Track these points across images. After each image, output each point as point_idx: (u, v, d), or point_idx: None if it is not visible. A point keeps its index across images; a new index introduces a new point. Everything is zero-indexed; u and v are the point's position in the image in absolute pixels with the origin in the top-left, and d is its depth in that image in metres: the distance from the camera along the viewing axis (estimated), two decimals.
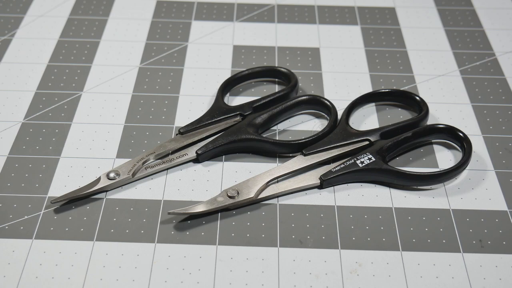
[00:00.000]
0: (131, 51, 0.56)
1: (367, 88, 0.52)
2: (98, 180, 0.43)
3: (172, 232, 0.41)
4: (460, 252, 0.40)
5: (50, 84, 0.52)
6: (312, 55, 0.56)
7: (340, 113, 0.48)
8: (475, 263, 0.39)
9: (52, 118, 0.49)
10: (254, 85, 0.53)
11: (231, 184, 0.44)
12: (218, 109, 0.48)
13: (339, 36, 0.58)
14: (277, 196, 0.43)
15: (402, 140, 0.45)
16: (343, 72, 0.54)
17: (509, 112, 0.50)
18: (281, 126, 0.49)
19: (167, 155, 0.46)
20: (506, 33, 0.59)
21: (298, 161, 0.44)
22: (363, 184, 0.44)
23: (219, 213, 0.42)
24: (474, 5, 0.63)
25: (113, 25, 0.59)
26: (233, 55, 0.56)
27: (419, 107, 0.49)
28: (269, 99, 0.49)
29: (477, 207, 0.43)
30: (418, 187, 0.44)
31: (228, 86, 0.51)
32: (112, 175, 0.43)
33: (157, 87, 0.52)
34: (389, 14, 0.61)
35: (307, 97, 0.49)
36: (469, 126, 0.49)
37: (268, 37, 0.58)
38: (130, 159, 0.45)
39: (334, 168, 0.44)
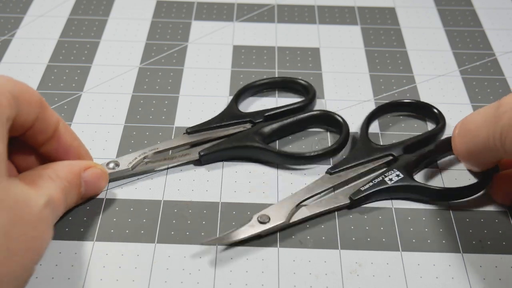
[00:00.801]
0: (131, 51, 0.56)
1: (367, 88, 0.52)
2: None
3: (172, 233, 0.41)
4: (460, 252, 0.40)
5: (50, 84, 0.52)
6: (312, 55, 0.56)
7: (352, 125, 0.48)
8: (475, 264, 0.39)
9: None
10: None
11: (231, 185, 0.44)
12: (229, 114, 0.48)
13: (339, 36, 0.58)
14: (310, 219, 0.42)
15: (426, 154, 0.45)
16: (343, 72, 0.54)
17: None
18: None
19: (169, 153, 0.45)
20: (506, 33, 0.59)
21: (324, 181, 0.43)
22: None
23: (219, 214, 0.42)
24: (474, 5, 0.63)
25: (113, 25, 0.59)
26: (233, 55, 0.56)
27: (436, 119, 0.48)
28: (282, 109, 0.48)
29: (477, 208, 0.43)
30: (451, 201, 0.43)
31: (244, 93, 0.50)
32: (111, 165, 0.43)
33: (157, 87, 0.52)
34: (389, 14, 0.61)
35: (319, 112, 0.48)
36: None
37: (268, 37, 0.58)
38: (132, 153, 0.45)
39: (363, 186, 0.42)
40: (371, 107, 0.50)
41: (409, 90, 0.52)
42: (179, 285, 0.38)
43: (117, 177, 0.44)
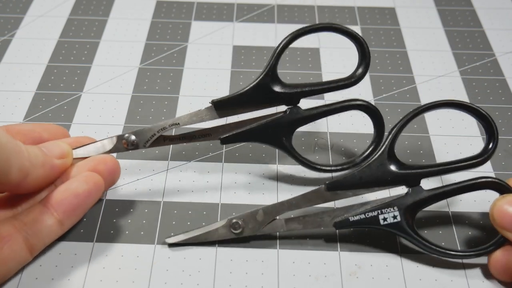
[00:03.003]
0: (131, 51, 0.56)
1: (367, 89, 0.52)
2: (113, 141, 0.42)
3: (172, 234, 0.41)
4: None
5: (50, 84, 0.52)
6: (312, 55, 0.56)
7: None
8: (474, 266, 0.39)
9: (52, 119, 0.49)
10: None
11: (231, 186, 0.44)
12: (263, 91, 0.42)
13: (339, 36, 0.58)
14: (284, 237, 0.41)
15: (443, 194, 0.39)
16: (343, 73, 0.54)
17: (509, 113, 0.50)
18: None
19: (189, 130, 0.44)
20: (506, 33, 0.59)
21: (317, 195, 0.40)
22: None
23: (219, 215, 0.42)
24: (474, 5, 0.63)
25: (113, 25, 0.59)
26: (233, 55, 0.56)
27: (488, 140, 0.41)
28: (322, 87, 0.44)
29: (476, 210, 0.43)
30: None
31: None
32: (129, 139, 0.42)
33: (157, 87, 0.52)
34: (389, 14, 0.61)
35: (360, 103, 0.45)
36: (468, 127, 0.49)
37: (268, 37, 0.58)
38: (150, 126, 0.42)
39: (353, 217, 0.39)
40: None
41: (409, 91, 0.52)
42: (179, 287, 0.38)
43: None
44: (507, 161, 0.46)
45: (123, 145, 0.42)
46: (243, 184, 0.44)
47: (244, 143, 0.47)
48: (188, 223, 0.42)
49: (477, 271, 0.39)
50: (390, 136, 0.40)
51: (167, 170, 0.45)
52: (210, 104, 0.42)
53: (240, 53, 0.56)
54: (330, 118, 0.49)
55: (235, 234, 0.40)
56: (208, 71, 0.54)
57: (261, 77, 0.42)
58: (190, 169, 0.45)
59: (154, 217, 0.42)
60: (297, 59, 0.55)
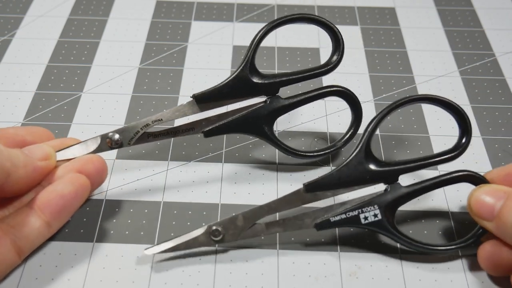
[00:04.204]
0: (131, 51, 0.56)
1: (367, 89, 0.52)
2: (97, 141, 0.42)
3: (172, 234, 0.41)
4: (459, 255, 0.40)
5: (50, 84, 0.52)
6: (312, 55, 0.56)
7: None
8: (474, 267, 0.39)
9: (51, 119, 0.49)
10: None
11: (231, 186, 0.44)
12: (242, 82, 0.43)
13: None
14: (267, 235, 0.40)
15: (421, 189, 0.40)
16: (343, 73, 0.54)
17: (509, 113, 0.50)
18: (280, 126, 0.49)
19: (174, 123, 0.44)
20: (506, 33, 0.59)
21: (297, 197, 0.39)
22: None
23: (219, 215, 0.42)
24: (474, 5, 0.63)
25: (113, 25, 0.59)
26: (233, 55, 0.56)
27: (461, 132, 0.41)
28: (300, 75, 0.45)
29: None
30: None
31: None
32: (114, 137, 0.42)
33: (157, 87, 0.52)
34: (389, 14, 0.61)
35: (338, 89, 0.45)
36: None
37: (267, 37, 0.58)
38: (134, 123, 0.42)
39: (333, 217, 0.39)
40: (371, 108, 0.50)
41: (409, 91, 0.52)
42: (179, 287, 0.38)
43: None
44: (506, 162, 0.46)
45: (107, 144, 0.42)
46: (243, 184, 0.44)
47: (244, 143, 0.47)
48: (188, 223, 0.42)
49: (477, 271, 0.39)
50: (366, 134, 0.40)
51: (167, 170, 0.45)
52: (192, 99, 0.43)
53: (240, 53, 0.56)
54: (330, 118, 0.49)
55: (215, 242, 0.39)
56: (208, 71, 0.54)
57: (239, 69, 0.43)
58: (190, 169, 0.45)
59: (154, 217, 0.42)
60: (297, 59, 0.55)
